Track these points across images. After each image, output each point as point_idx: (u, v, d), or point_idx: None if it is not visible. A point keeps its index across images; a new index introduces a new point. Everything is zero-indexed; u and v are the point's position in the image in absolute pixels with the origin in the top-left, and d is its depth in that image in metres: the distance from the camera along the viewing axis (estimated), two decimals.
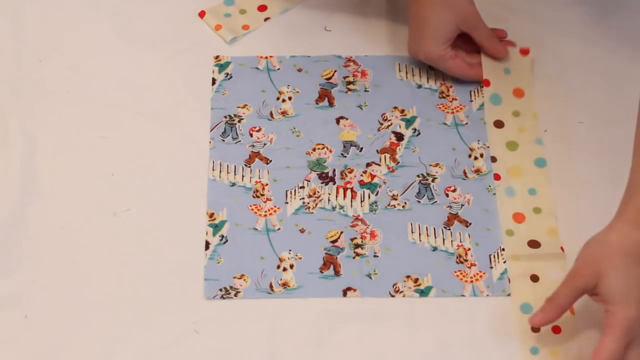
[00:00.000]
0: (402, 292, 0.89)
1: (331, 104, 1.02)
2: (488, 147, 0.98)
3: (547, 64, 1.04)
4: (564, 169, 0.97)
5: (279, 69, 1.04)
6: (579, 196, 0.95)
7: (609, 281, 0.80)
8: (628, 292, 0.79)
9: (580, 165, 0.97)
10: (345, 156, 0.98)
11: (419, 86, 1.03)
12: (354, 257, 0.92)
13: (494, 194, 0.96)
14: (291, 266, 0.91)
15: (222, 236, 0.92)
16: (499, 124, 1.00)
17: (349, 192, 0.96)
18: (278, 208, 0.94)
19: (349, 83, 1.03)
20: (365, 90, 1.03)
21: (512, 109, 1.00)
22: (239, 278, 0.90)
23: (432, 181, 0.96)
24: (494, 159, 0.97)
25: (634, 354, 0.80)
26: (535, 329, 0.86)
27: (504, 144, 0.98)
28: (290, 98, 1.02)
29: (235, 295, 0.89)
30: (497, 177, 0.96)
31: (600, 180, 0.96)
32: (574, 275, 0.82)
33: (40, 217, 0.93)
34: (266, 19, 1.08)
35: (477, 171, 0.97)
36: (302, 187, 0.96)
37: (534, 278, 0.90)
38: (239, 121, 1.00)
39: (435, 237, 0.93)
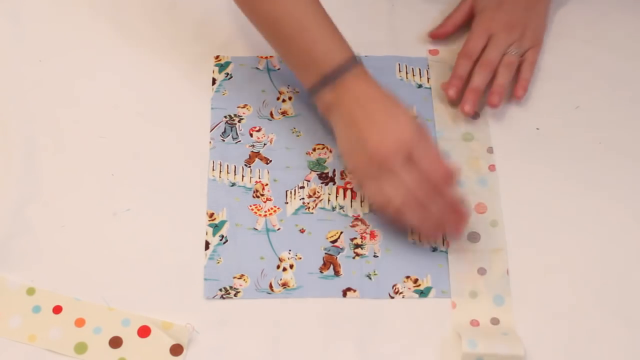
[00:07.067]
0: (401, 293, 0.89)
1: None
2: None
3: (547, 63, 1.04)
4: (559, 168, 0.97)
5: (279, 69, 1.04)
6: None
7: None
8: None
9: (578, 160, 0.98)
10: None
11: (419, 86, 1.03)
12: (353, 257, 0.92)
13: None
14: (291, 266, 0.91)
15: (222, 236, 0.92)
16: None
17: (348, 192, 0.96)
18: (278, 208, 0.94)
19: None
20: None
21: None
22: (238, 278, 0.90)
23: None
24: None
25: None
26: None
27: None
28: (290, 98, 1.02)
29: (235, 295, 0.89)
30: None
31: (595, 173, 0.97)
32: None
33: (40, 217, 0.93)
34: None
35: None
36: (302, 187, 0.96)
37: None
38: (239, 121, 1.00)
39: None
